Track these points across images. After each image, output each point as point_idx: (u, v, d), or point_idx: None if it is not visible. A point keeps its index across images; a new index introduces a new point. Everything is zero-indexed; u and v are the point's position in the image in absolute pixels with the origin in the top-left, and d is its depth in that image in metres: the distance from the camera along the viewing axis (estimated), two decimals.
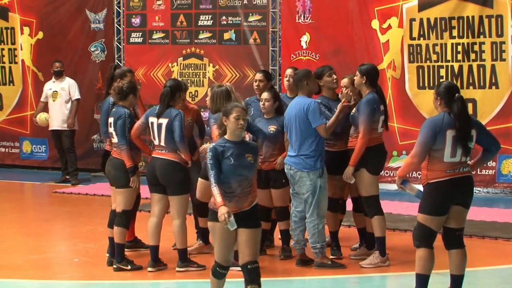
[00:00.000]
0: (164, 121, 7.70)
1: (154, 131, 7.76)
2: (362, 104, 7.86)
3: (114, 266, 7.87)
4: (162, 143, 7.73)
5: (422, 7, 11.80)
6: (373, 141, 7.89)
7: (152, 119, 7.78)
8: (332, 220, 8.34)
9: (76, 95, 13.19)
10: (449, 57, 11.66)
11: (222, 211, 5.93)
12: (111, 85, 8.35)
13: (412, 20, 11.87)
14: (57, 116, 13.18)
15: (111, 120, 7.93)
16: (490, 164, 11.55)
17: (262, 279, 7.67)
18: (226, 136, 6.23)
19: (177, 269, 7.84)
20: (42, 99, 13.47)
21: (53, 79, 13.38)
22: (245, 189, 6.15)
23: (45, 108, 13.32)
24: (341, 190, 8.28)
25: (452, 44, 11.63)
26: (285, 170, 7.93)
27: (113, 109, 7.99)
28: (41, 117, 13.01)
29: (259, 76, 8.80)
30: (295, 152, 7.83)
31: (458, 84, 11.58)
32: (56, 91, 13.25)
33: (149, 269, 7.84)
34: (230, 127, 6.20)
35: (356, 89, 8.04)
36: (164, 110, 7.72)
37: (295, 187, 7.89)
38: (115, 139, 7.90)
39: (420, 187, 6.57)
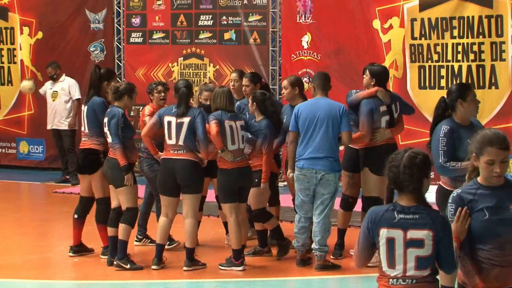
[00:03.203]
0: (186, 120, 7.71)
1: (172, 130, 7.74)
2: (361, 105, 7.85)
3: (115, 262, 7.87)
4: (180, 142, 7.72)
5: (423, 7, 11.79)
6: (375, 141, 7.85)
7: (170, 118, 7.77)
8: (344, 218, 8.28)
9: (76, 95, 13.17)
10: (449, 57, 11.66)
11: None
12: (99, 86, 8.29)
13: (413, 20, 11.85)
14: (56, 116, 13.17)
15: (105, 120, 7.98)
16: None
17: (262, 279, 7.72)
18: (478, 179, 4.34)
19: (185, 268, 7.83)
20: (40, 90, 13.45)
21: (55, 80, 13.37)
22: (509, 256, 4.24)
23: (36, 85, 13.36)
24: (353, 188, 8.22)
25: (453, 44, 11.63)
26: (302, 175, 7.70)
27: (108, 109, 8.03)
28: (24, 86, 12.93)
29: (233, 75, 8.86)
30: (321, 153, 7.67)
31: None
32: (56, 91, 13.24)
33: (153, 267, 7.86)
34: (483, 173, 4.31)
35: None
36: (186, 110, 7.73)
37: (316, 189, 7.72)
38: (109, 139, 7.91)
39: None
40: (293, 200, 8.11)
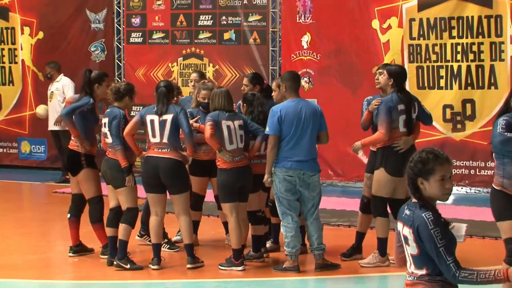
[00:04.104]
0: (168, 117, 7.74)
1: (155, 128, 7.77)
2: (381, 104, 7.82)
3: (115, 262, 7.88)
4: (165, 140, 7.73)
5: (421, 7, 11.80)
6: (392, 140, 7.77)
7: (152, 117, 7.79)
8: (362, 220, 8.17)
9: (69, 94, 13.13)
10: (448, 57, 11.67)
11: None
12: (90, 89, 8.29)
13: (411, 20, 11.87)
14: (54, 117, 13.19)
15: (105, 120, 7.96)
16: (489, 164, 11.55)
17: (262, 279, 7.73)
18: None
19: (188, 266, 7.85)
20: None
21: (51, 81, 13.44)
22: None
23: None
24: (370, 189, 8.11)
25: (451, 44, 11.64)
26: (289, 176, 7.67)
27: (108, 110, 8.02)
28: (38, 110, 13.10)
29: (193, 75, 8.99)
30: (307, 156, 7.70)
31: (457, 85, 11.60)
32: (53, 92, 13.29)
33: (153, 267, 7.86)
34: None
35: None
36: (166, 108, 7.77)
37: (303, 192, 7.74)
38: (109, 140, 7.92)
39: None
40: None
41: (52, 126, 13.29)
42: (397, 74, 7.88)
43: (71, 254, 8.47)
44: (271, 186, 7.90)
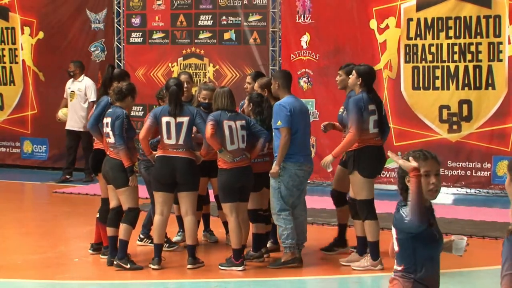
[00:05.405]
0: (185, 119, 7.78)
1: (171, 130, 7.79)
2: (350, 103, 7.80)
3: (115, 262, 7.89)
4: (180, 142, 7.79)
5: (420, 7, 11.78)
6: (364, 142, 7.73)
7: (168, 119, 7.81)
8: (338, 213, 8.48)
9: (92, 97, 13.00)
10: (445, 57, 11.64)
11: None
12: (110, 85, 8.33)
13: (409, 20, 11.85)
14: (72, 116, 13.17)
15: (107, 120, 7.94)
16: (485, 165, 11.55)
17: (262, 279, 7.74)
18: None
19: (189, 266, 7.88)
20: (64, 95, 13.48)
21: (72, 78, 13.39)
22: None
23: (67, 105, 13.35)
24: (337, 181, 8.43)
25: (448, 44, 11.61)
26: (300, 170, 7.84)
27: (110, 110, 8.01)
28: (60, 114, 13.11)
29: (184, 77, 8.80)
30: (310, 150, 8.15)
31: (454, 85, 11.59)
32: (73, 91, 13.26)
33: (154, 266, 7.87)
34: None
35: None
36: (180, 108, 7.79)
37: (305, 186, 8.01)
38: (111, 139, 7.90)
39: None
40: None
41: (69, 126, 13.26)
42: (366, 74, 7.87)
43: (91, 252, 8.45)
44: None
